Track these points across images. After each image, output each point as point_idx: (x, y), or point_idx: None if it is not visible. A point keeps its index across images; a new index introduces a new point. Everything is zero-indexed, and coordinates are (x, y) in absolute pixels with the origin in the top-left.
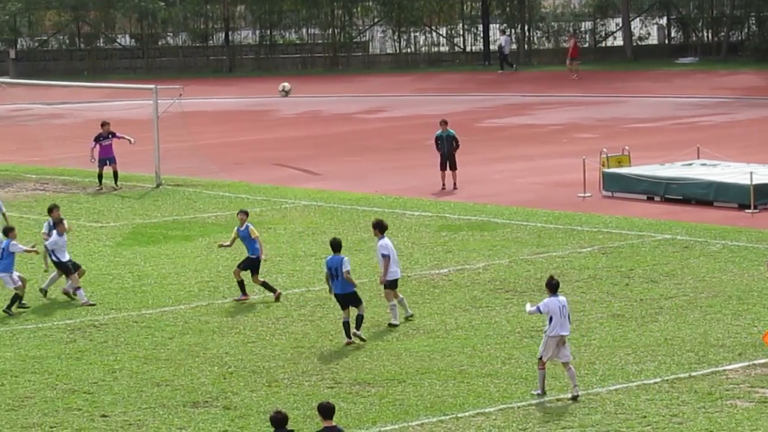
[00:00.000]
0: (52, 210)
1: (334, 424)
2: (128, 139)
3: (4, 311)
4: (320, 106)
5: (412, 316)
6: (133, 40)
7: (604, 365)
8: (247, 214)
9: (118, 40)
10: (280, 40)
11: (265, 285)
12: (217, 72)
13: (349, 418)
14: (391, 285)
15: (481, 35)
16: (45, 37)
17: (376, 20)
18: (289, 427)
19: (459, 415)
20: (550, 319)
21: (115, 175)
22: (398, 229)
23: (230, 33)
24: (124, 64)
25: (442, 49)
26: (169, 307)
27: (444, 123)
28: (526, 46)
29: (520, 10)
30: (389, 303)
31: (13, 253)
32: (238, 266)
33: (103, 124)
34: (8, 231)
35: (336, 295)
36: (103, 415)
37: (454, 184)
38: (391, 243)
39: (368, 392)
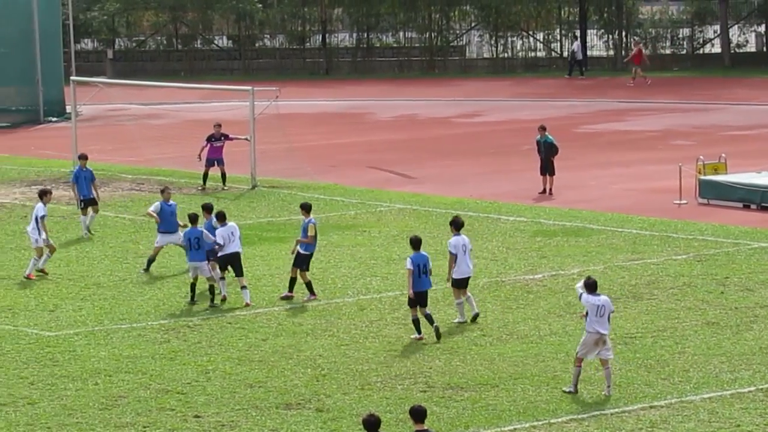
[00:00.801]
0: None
1: (426, 427)
2: (244, 139)
3: (210, 305)
4: (416, 109)
5: (477, 315)
6: (230, 41)
7: (698, 373)
8: (307, 209)
9: (216, 42)
10: (377, 43)
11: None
12: (314, 74)
13: (442, 422)
14: (458, 284)
15: (579, 41)
16: (143, 38)
17: (473, 24)
18: (381, 430)
19: (552, 420)
20: (587, 314)
21: (223, 176)
22: (493, 233)
23: (327, 35)
24: (221, 66)
25: (539, 54)
26: (263, 308)
27: (542, 128)
28: (623, 52)
29: (617, 16)
30: (456, 301)
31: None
32: (300, 269)
33: (215, 125)
34: (195, 219)
35: (417, 293)
36: (196, 416)
37: (550, 189)
38: (461, 241)
39: (461, 396)
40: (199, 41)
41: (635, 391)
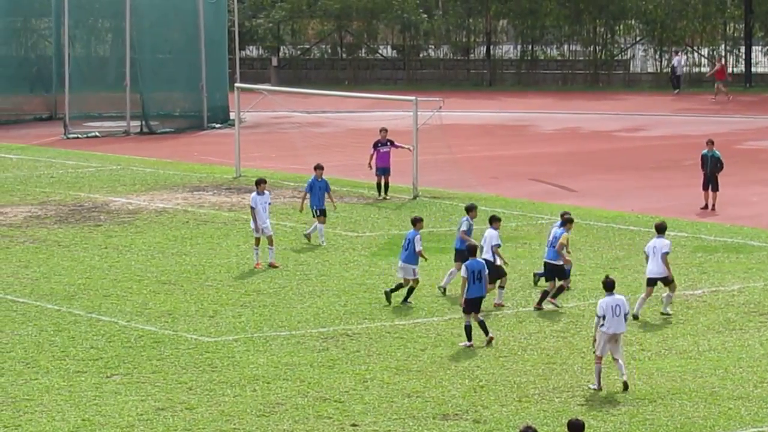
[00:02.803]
0: (470, 209)
1: None
2: (407, 148)
3: (402, 302)
4: (579, 122)
5: (668, 315)
6: (394, 51)
7: None
8: (569, 220)
9: (380, 51)
10: (542, 56)
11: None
12: (477, 85)
13: None
14: (648, 282)
15: (743, 57)
16: (307, 46)
17: (638, 39)
18: None
19: None
20: (604, 317)
21: (386, 186)
22: None
23: (492, 47)
24: (384, 75)
25: (703, 69)
26: (423, 318)
27: (710, 143)
28: None
29: None
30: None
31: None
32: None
33: (381, 130)
34: (416, 221)
35: (470, 300)
36: (353, 425)
37: (713, 205)
38: (652, 244)
39: (618, 411)
40: (363, 50)
41: None
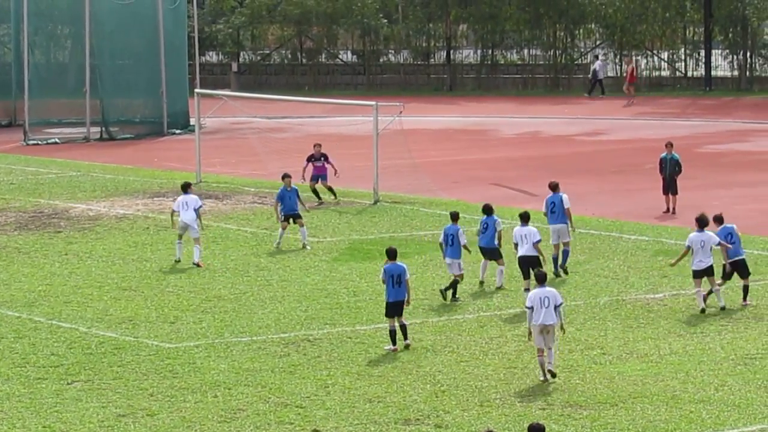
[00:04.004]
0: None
1: None
2: (335, 170)
3: (452, 300)
4: (540, 127)
5: (723, 308)
6: (354, 56)
7: None
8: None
9: (340, 56)
10: (502, 60)
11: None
12: (438, 90)
13: None
14: (695, 274)
15: (703, 60)
16: (267, 51)
17: (597, 43)
18: None
19: None
20: (532, 308)
21: (331, 190)
22: (614, 252)
23: (452, 52)
24: (345, 80)
25: (663, 73)
26: (384, 323)
27: (669, 145)
28: (747, 73)
29: (742, 36)
30: (695, 289)
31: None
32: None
33: (316, 145)
34: (456, 216)
35: (390, 303)
36: (315, 430)
37: (673, 208)
38: (700, 237)
39: (580, 415)
40: (323, 56)
41: (755, 411)
